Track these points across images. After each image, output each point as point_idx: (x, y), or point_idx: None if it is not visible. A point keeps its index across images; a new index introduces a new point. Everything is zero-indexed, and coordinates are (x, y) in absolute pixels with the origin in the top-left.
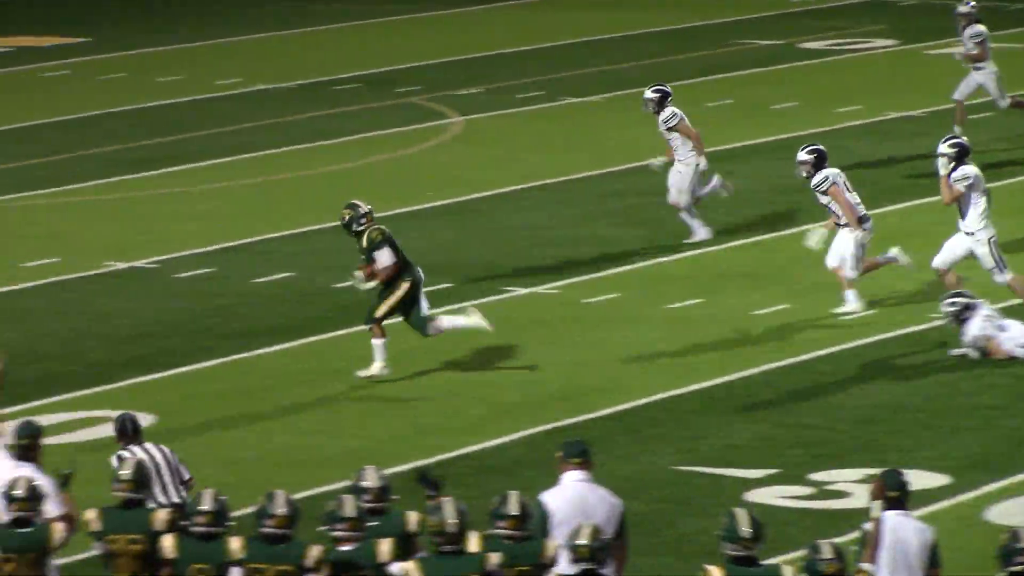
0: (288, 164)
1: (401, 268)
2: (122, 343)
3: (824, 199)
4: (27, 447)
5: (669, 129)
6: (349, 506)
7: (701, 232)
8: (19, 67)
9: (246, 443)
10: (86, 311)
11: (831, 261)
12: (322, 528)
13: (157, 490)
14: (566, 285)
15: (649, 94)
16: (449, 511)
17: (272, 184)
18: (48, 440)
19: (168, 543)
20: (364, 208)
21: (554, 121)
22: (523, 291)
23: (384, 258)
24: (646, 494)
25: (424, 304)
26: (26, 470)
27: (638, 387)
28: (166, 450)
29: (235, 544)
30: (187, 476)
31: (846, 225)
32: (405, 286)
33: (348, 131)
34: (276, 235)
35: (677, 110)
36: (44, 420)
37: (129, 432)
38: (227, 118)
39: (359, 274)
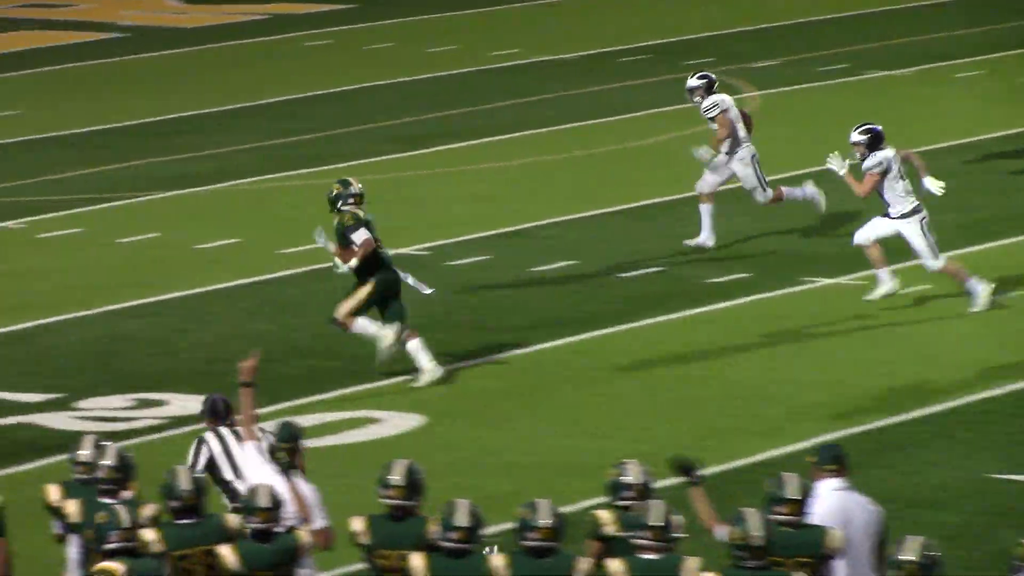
0: (569, 142)
1: (372, 268)
2: None
3: None
4: (289, 451)
5: (711, 119)
6: (656, 512)
7: (705, 236)
8: (277, 36)
9: (523, 447)
10: None
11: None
12: (624, 534)
13: (231, 476)
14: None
15: (694, 82)
16: (755, 522)
17: (552, 164)
18: (309, 442)
19: (417, 563)
20: (356, 188)
21: (859, 97)
22: (826, 281)
23: (360, 235)
24: (960, 504)
25: (422, 287)
26: (273, 477)
27: (950, 387)
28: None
29: (498, 561)
30: None
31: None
32: (367, 288)
33: (634, 106)
34: (557, 220)
35: (725, 98)
36: (304, 421)
37: (221, 413)
38: (503, 92)
39: (336, 259)
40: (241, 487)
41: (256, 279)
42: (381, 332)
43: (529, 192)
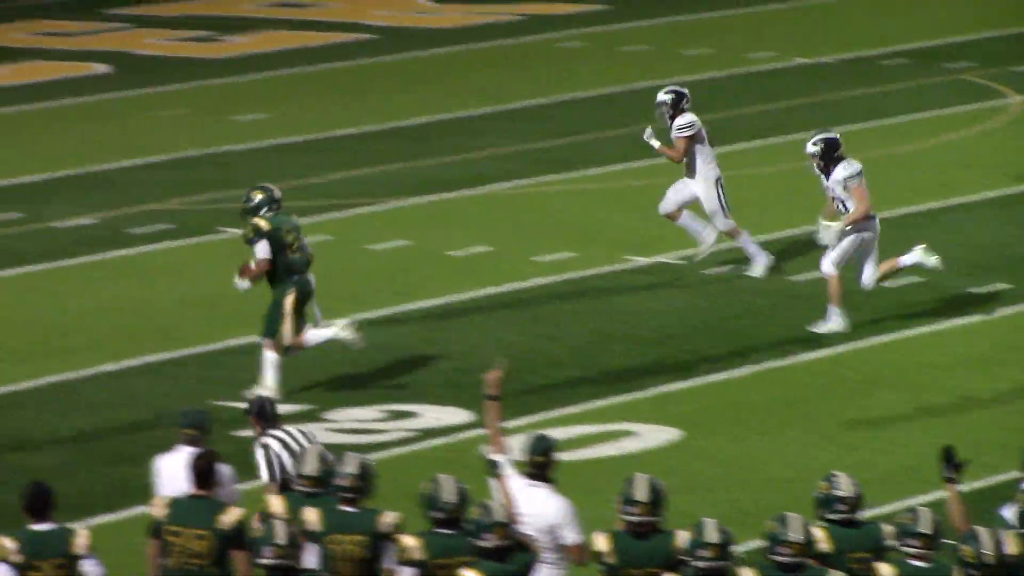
0: None
1: (287, 272)
2: (644, 348)
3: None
4: (540, 464)
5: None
6: (925, 520)
7: (708, 234)
8: (530, 37)
9: (786, 461)
10: (604, 311)
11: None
12: (894, 543)
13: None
14: None
15: (662, 96)
16: (989, 542)
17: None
18: (563, 456)
19: None
20: (277, 194)
21: None
22: None
23: (260, 250)
24: None
25: (317, 314)
26: (539, 491)
27: None
28: (310, 434)
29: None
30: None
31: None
32: (291, 296)
33: (891, 111)
34: (812, 228)
35: (694, 117)
36: (558, 434)
37: (269, 415)
38: (760, 96)
39: (235, 275)
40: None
41: (509, 287)
42: (338, 331)
43: (782, 199)
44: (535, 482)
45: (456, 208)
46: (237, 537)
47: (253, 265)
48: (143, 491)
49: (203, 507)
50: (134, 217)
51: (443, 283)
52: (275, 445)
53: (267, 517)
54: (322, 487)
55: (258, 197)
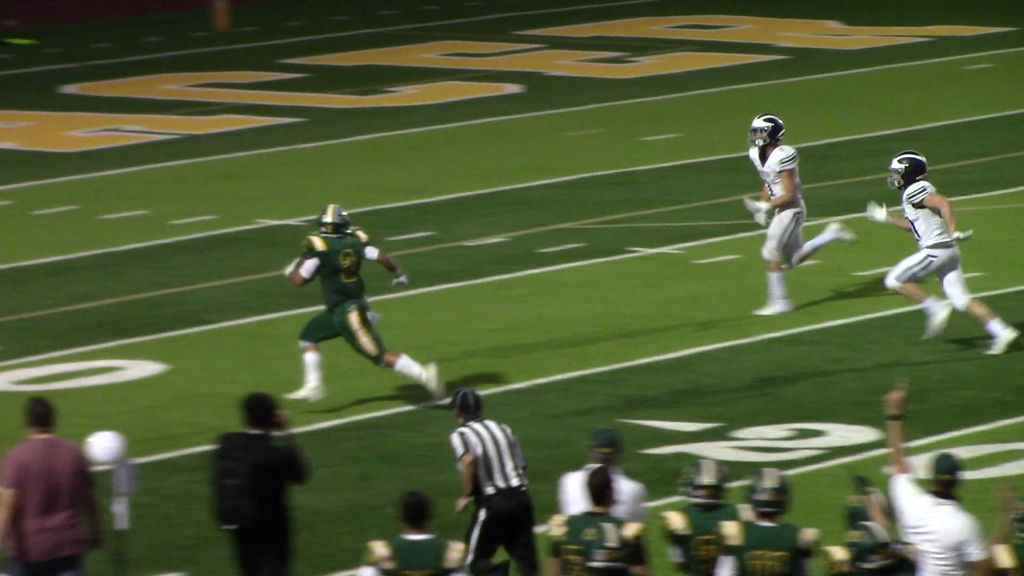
0: None
1: (340, 296)
2: None
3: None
4: (946, 483)
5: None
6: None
7: (779, 305)
8: (938, 59)
9: None
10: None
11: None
12: None
13: (496, 473)
14: None
15: (759, 123)
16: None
17: None
18: (968, 475)
19: None
20: (328, 217)
21: None
22: None
23: (305, 268)
24: None
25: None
26: (945, 509)
27: None
28: (507, 429)
29: None
30: (523, 463)
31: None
32: (355, 314)
33: None
34: None
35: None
36: (964, 452)
37: (472, 407)
38: None
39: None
40: (500, 481)
41: (912, 307)
42: (422, 373)
43: None
44: (941, 500)
45: (860, 229)
46: (635, 553)
47: (293, 274)
48: (551, 509)
49: (600, 524)
50: (545, 236)
51: (851, 303)
52: (470, 432)
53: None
54: (717, 497)
55: (327, 217)
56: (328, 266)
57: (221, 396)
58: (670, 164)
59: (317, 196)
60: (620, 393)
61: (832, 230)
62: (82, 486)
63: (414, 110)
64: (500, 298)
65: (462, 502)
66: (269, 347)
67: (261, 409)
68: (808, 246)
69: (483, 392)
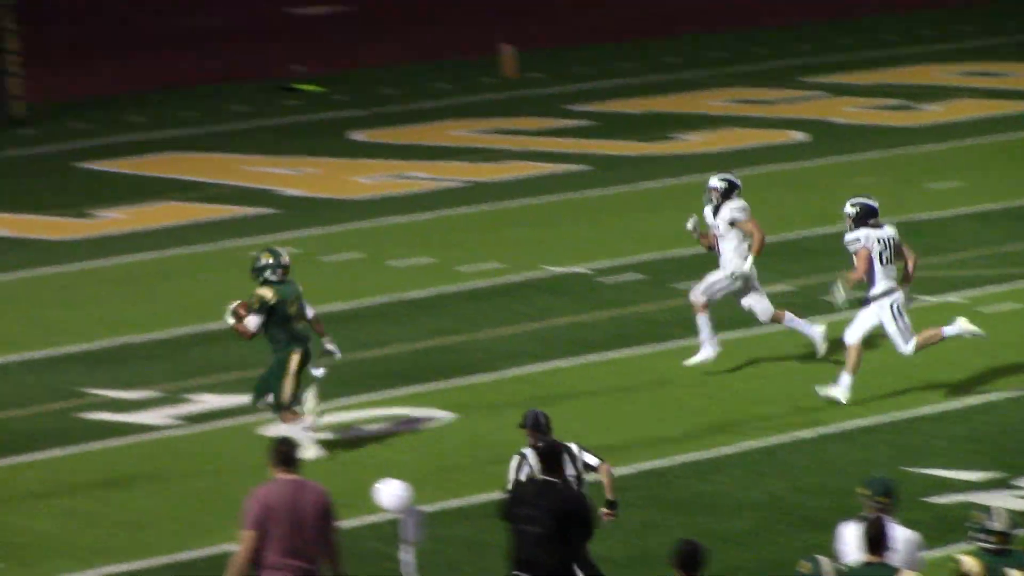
0: None
1: (290, 339)
2: None
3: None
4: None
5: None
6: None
7: (709, 350)
8: None
9: None
10: None
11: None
12: None
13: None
14: None
15: (715, 182)
16: None
17: None
18: None
19: None
20: (285, 259)
21: None
22: None
23: (252, 323)
24: None
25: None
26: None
27: None
28: (572, 446)
29: None
30: (594, 463)
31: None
32: (296, 357)
33: None
34: None
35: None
36: None
37: (543, 427)
38: None
39: (231, 306)
40: None
41: None
42: (307, 405)
43: None
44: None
45: None
46: None
47: (241, 328)
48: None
49: (876, 574)
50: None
51: None
52: (530, 455)
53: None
54: (1007, 543)
55: (264, 260)
56: (279, 315)
57: (508, 444)
58: (954, 212)
59: (602, 243)
60: (903, 442)
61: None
62: (326, 529)
63: (700, 157)
64: (785, 345)
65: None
66: (554, 395)
67: (555, 457)
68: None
69: (768, 442)
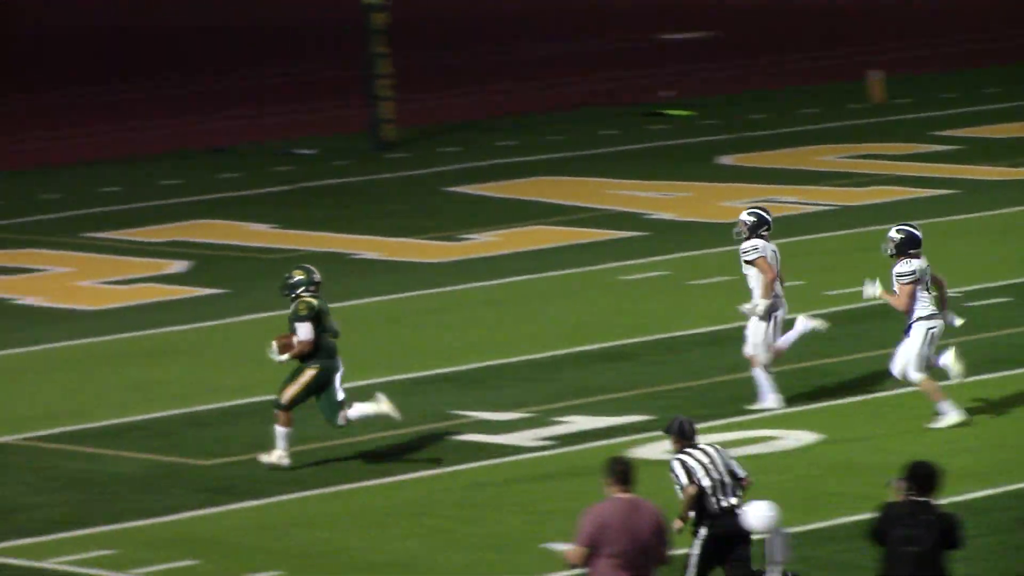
0: None
1: (313, 352)
2: None
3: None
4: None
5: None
6: None
7: (770, 399)
8: None
9: None
10: None
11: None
12: None
13: (718, 493)
14: None
15: (744, 216)
16: None
17: None
18: None
19: None
20: (317, 276)
21: None
22: None
23: (304, 331)
24: None
25: (339, 392)
26: None
27: None
28: (721, 450)
29: None
30: (742, 475)
31: None
32: (311, 372)
33: None
34: None
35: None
36: None
37: (688, 433)
38: None
39: (273, 344)
40: (723, 501)
41: None
42: (378, 408)
43: None
44: None
45: None
46: None
47: (295, 343)
48: None
49: None
50: None
51: None
52: (690, 459)
53: None
54: None
55: (297, 276)
56: (319, 325)
57: (876, 466)
58: None
59: (970, 267)
60: None
61: (801, 322)
62: (661, 548)
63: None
64: None
65: (678, 524)
66: (922, 418)
67: (926, 477)
68: (783, 342)
69: None
